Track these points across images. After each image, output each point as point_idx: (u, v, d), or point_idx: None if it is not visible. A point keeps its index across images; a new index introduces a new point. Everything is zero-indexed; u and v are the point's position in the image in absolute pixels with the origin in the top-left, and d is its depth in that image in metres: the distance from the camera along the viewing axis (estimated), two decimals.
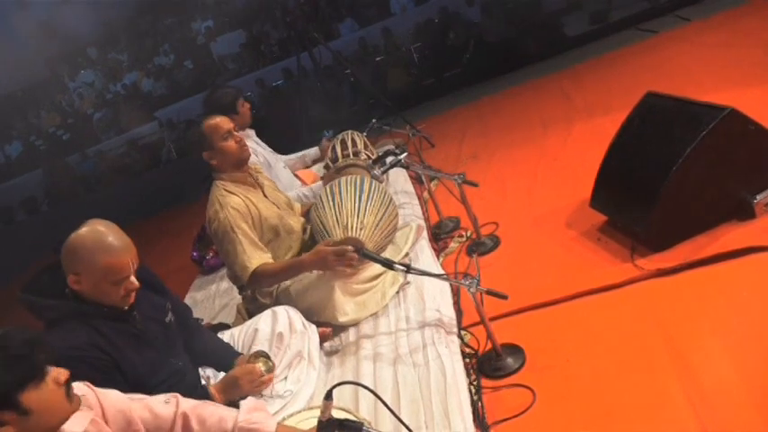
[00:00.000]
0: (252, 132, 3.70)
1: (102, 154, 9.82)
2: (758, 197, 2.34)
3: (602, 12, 6.46)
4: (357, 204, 2.75)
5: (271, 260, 2.55)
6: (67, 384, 1.36)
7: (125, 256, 1.73)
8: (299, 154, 4.31)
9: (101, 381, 1.60)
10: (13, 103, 11.14)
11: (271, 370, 2.09)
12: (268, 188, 2.79)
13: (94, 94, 11.22)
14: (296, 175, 3.87)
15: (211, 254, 3.86)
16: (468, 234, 3.15)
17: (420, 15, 8.88)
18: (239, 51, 10.30)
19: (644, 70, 4.56)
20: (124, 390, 1.65)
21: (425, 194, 3.65)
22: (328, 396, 1.38)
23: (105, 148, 9.95)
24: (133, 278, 1.77)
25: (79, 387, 1.49)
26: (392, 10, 9.60)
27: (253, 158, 3.29)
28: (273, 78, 9.11)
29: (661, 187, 2.34)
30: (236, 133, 2.64)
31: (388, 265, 2.25)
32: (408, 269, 2.26)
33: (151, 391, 1.73)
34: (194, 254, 4.04)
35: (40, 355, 1.32)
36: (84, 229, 1.73)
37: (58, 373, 1.34)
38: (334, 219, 2.71)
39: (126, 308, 1.82)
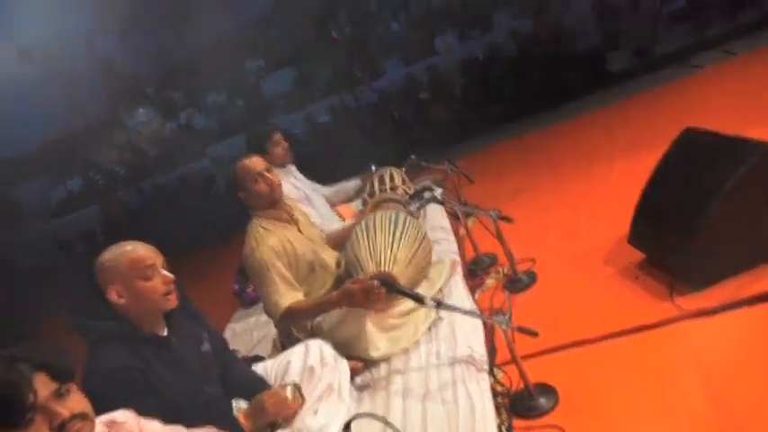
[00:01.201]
0: (293, 168, 3.80)
1: (155, 188, 10.23)
2: None
3: (646, 46, 6.39)
4: (390, 239, 2.78)
5: (303, 298, 2.59)
6: (61, 428, 1.24)
7: (144, 250, 1.87)
8: (341, 185, 4.37)
9: (135, 401, 1.65)
10: (75, 140, 11.76)
11: (297, 399, 2.10)
12: (303, 224, 2.85)
13: (150, 130, 11.74)
14: (336, 211, 3.94)
15: (251, 287, 3.94)
16: (505, 270, 3.13)
17: (464, 52, 8.97)
18: (289, 89, 10.63)
19: (689, 106, 4.47)
20: (159, 413, 1.69)
21: (462, 230, 3.64)
22: (347, 428, 1.39)
23: (159, 184, 10.36)
24: (164, 271, 1.86)
25: (123, 414, 1.55)
26: (437, 49, 9.74)
27: (293, 193, 3.38)
28: (321, 115, 9.35)
29: (700, 224, 2.29)
30: (267, 174, 2.69)
31: (419, 300, 2.26)
32: (439, 305, 2.26)
33: (187, 416, 1.77)
34: (236, 286, 4.13)
35: (25, 398, 1.19)
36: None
37: (52, 415, 1.23)
38: (368, 253, 2.74)
39: (165, 334, 1.91)
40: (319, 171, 4.64)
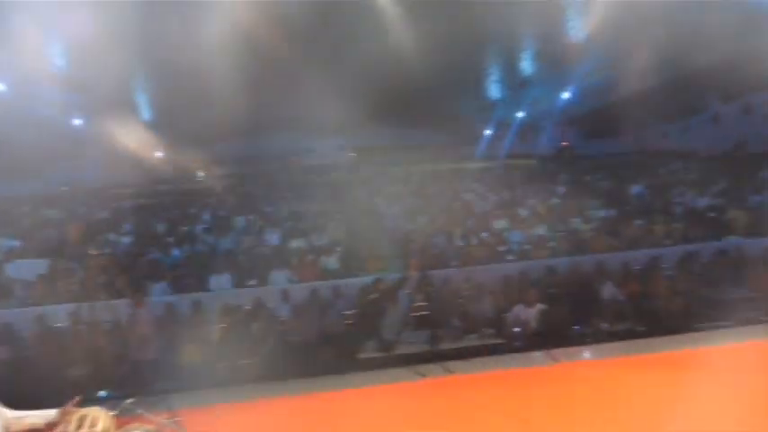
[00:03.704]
0: None
1: None
2: None
3: (389, 342, 7.10)
4: None
5: None
6: None
7: None
8: (35, 413, 3.75)
9: None
10: None
11: None
12: None
13: None
14: None
15: None
16: None
17: (240, 296, 9.06)
18: (34, 280, 9.58)
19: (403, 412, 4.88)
20: None
21: None
22: None
23: None
24: None
25: None
26: (210, 286, 9.77)
27: None
28: (58, 319, 8.39)
29: None
30: None
31: None
32: None
33: None
34: None
35: None
36: None
37: None
38: None
39: None
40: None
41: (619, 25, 12.95)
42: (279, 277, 9.92)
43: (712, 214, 11.60)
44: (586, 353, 6.16)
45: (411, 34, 12.79)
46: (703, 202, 12.41)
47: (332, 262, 10.63)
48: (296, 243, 11.18)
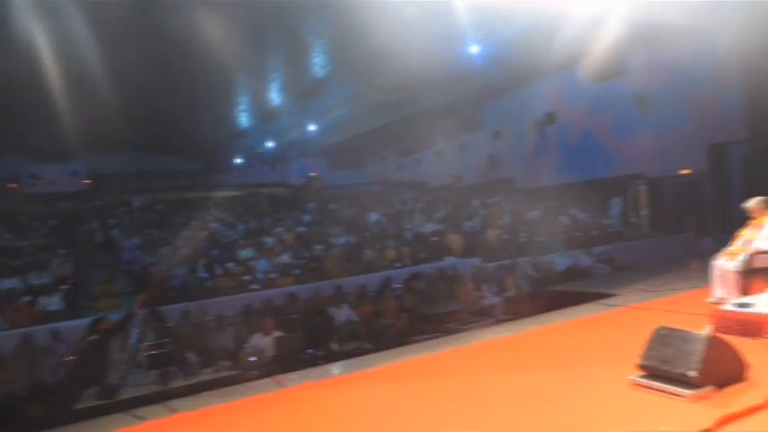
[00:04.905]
0: None
1: None
2: None
3: (113, 387, 6.54)
4: None
5: None
6: None
7: None
8: None
9: None
10: None
11: None
12: None
13: None
14: None
15: None
16: None
17: None
18: None
19: None
20: None
21: None
22: None
23: None
24: None
25: None
26: None
27: None
28: None
29: None
30: None
31: None
32: None
33: None
34: None
35: None
36: None
37: None
38: None
39: None
40: None
41: (357, 66, 14.11)
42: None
43: (435, 238, 13.13)
44: (313, 374, 6.41)
45: (154, 57, 12.29)
46: (428, 227, 13.99)
47: (54, 302, 9.49)
48: (7, 284, 9.75)
